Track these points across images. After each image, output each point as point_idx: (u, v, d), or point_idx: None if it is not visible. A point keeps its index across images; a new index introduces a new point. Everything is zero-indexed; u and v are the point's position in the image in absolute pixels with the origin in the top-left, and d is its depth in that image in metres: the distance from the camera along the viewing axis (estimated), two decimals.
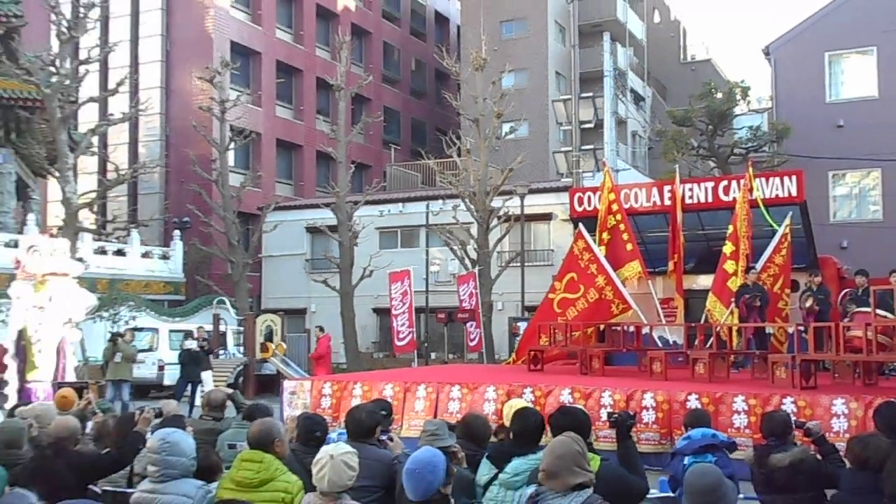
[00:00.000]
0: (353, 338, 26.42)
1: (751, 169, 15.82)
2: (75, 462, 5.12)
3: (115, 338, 17.56)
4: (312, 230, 31.27)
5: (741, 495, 5.49)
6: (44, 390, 10.75)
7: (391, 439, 6.01)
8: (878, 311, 11.31)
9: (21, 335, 10.83)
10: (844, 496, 4.89)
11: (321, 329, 21.73)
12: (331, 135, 29.29)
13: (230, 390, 10.13)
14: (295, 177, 38.53)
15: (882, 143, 25.02)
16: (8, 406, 9.14)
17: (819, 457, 5.77)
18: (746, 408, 10.35)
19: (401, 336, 23.27)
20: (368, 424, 5.44)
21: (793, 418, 7.03)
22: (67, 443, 5.34)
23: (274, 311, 26.91)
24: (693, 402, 10.38)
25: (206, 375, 18.57)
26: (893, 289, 11.67)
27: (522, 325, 20.89)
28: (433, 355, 27.16)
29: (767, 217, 14.70)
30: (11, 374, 10.92)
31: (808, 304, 13.41)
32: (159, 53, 35.61)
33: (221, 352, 23.85)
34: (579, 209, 17.06)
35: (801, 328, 12.36)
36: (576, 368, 13.98)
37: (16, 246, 22.82)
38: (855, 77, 27.79)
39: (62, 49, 25.72)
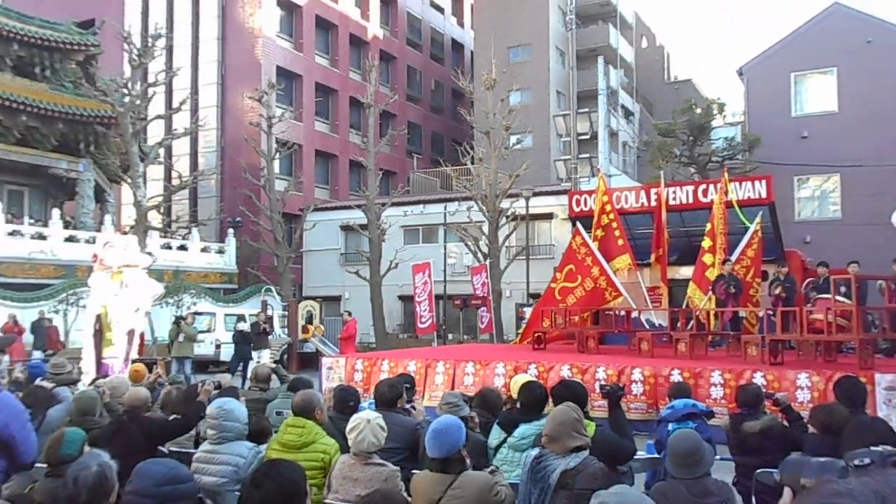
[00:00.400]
0: (381, 321, 26.47)
1: (726, 174, 15.71)
2: (146, 427, 5.18)
3: (178, 321, 17.68)
4: (346, 228, 31.33)
5: (717, 457, 5.46)
6: (118, 365, 10.84)
7: (414, 408, 6.03)
8: (837, 298, 11.23)
9: (98, 318, 10.91)
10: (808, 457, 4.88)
11: (349, 314, 21.81)
12: (362, 146, 29.31)
13: (274, 365, 10.17)
14: (331, 182, 38.60)
15: (841, 152, 24.82)
16: (87, 380, 9.21)
17: (786, 423, 5.75)
18: (722, 381, 10.32)
19: (422, 319, 23.31)
20: (392, 395, 5.48)
21: (763, 390, 6.99)
22: (140, 410, 5.39)
23: (313, 298, 27.04)
24: (676, 376, 10.35)
25: (265, 353, 18.71)
26: (850, 278, 11.58)
27: (528, 310, 20.86)
28: (450, 336, 27.19)
29: (741, 216, 14.60)
30: (89, 352, 11.00)
31: (777, 291, 13.35)
32: (216, 77, 35.75)
33: (270, 332, 23.96)
34: (577, 209, 17.00)
35: (770, 312, 12.31)
36: (574, 347, 13.97)
37: (95, 242, 23.15)
38: (817, 94, 27.56)
39: (133, 73, 25.98)
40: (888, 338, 12.03)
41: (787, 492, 3.68)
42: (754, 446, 5.44)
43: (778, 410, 5.94)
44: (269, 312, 25.10)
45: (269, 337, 23.04)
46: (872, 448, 3.26)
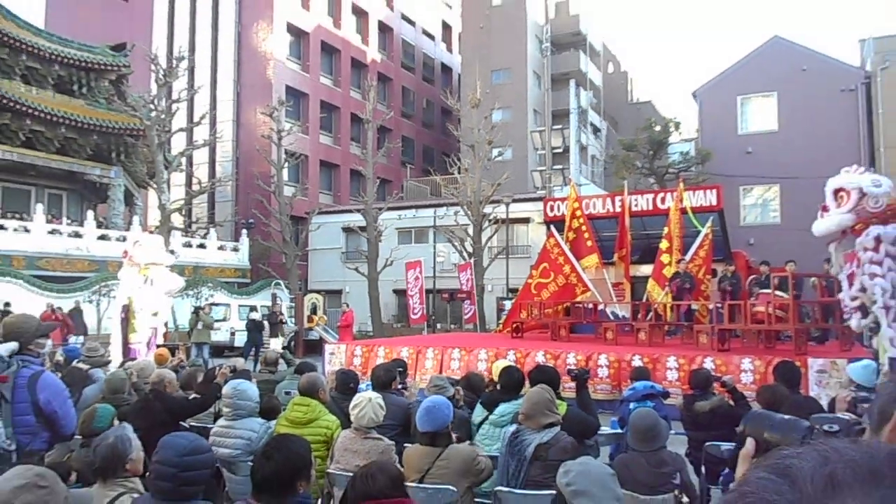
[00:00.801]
0: (378, 312, 26.42)
1: (681, 184, 15.79)
2: (169, 404, 5.16)
3: (197, 311, 17.59)
4: (347, 229, 31.26)
5: (672, 431, 5.49)
6: (143, 350, 10.80)
7: (406, 388, 6.04)
8: (777, 292, 11.32)
9: (125, 308, 10.87)
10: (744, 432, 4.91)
11: (347, 305, 21.72)
12: (361, 156, 29.25)
13: (282, 351, 10.16)
14: (334, 188, 38.48)
15: (780, 165, 25.00)
16: (116, 363, 9.15)
17: (732, 403, 5.78)
18: (677, 365, 10.37)
19: (414, 311, 23.27)
20: (387, 378, 5.48)
21: (712, 374, 7.02)
22: (164, 389, 5.36)
23: (317, 292, 26.93)
24: (637, 362, 10.38)
25: (277, 341, 18.68)
26: (788, 275, 11.67)
27: (507, 304, 20.88)
28: (439, 326, 27.17)
29: (694, 221, 14.68)
30: (117, 338, 10.96)
31: (724, 286, 13.43)
32: (232, 94, 35.59)
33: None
34: (551, 214, 17.03)
35: (719, 305, 12.37)
36: (548, 336, 13.98)
37: (125, 240, 23.04)
38: (759, 115, 27.71)
39: (159, 91, 25.89)
40: (820, 327, 12.14)
41: (749, 441, 3.71)
42: (704, 423, 5.48)
43: (725, 391, 5.98)
44: (279, 304, 25.05)
45: (283, 326, 23.05)
46: (839, 416, 3.29)
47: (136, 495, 2.93)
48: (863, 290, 7.53)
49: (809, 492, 0.56)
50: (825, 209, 7.72)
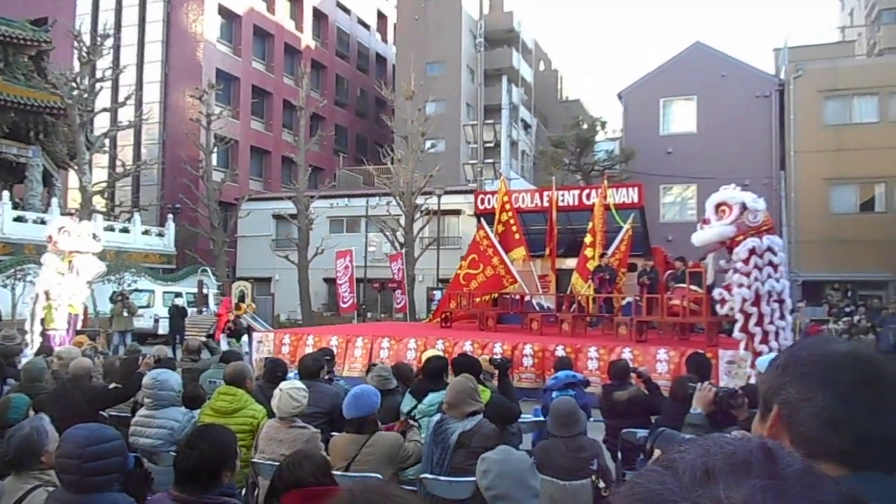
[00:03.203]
0: (308, 301, 26.09)
1: (606, 181, 16.22)
2: (89, 394, 4.97)
3: (122, 297, 16.96)
4: (277, 217, 30.68)
5: (591, 419, 5.67)
6: (60, 337, 10.40)
7: (333, 377, 6.00)
8: (692, 287, 11.76)
9: (47, 295, 10.46)
10: (664, 419, 5.12)
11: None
12: (293, 144, 28.74)
13: (204, 339, 9.93)
14: (264, 175, 37.68)
15: (698, 166, 25.86)
16: (32, 350, 8.75)
17: (647, 392, 6.00)
18: (598, 355, 10.62)
19: (344, 300, 23.11)
20: (315, 367, 5.45)
21: (630, 365, 7.26)
22: (83, 378, 5.17)
23: (246, 279, 26.34)
24: (560, 351, 10.57)
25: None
26: (702, 271, 12.14)
27: (438, 294, 20.98)
28: (369, 315, 27.04)
29: (616, 217, 15.07)
30: (34, 324, 10.53)
31: (643, 280, 13.85)
32: (159, 75, 34.28)
33: (204, 309, 23.27)
34: (481, 207, 17.17)
35: (637, 298, 12.76)
36: (476, 326, 14.10)
37: (42, 223, 21.92)
38: (680, 117, 28.56)
39: (82, 69, 24.71)
40: (730, 321, 12.69)
41: (657, 451, 3.87)
42: (622, 412, 5.66)
43: (641, 381, 6.19)
44: (205, 291, 24.38)
45: (204, 313, 22.44)
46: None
47: (51, 488, 2.82)
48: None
49: (687, 481, 0.61)
50: (706, 222, 8.27)
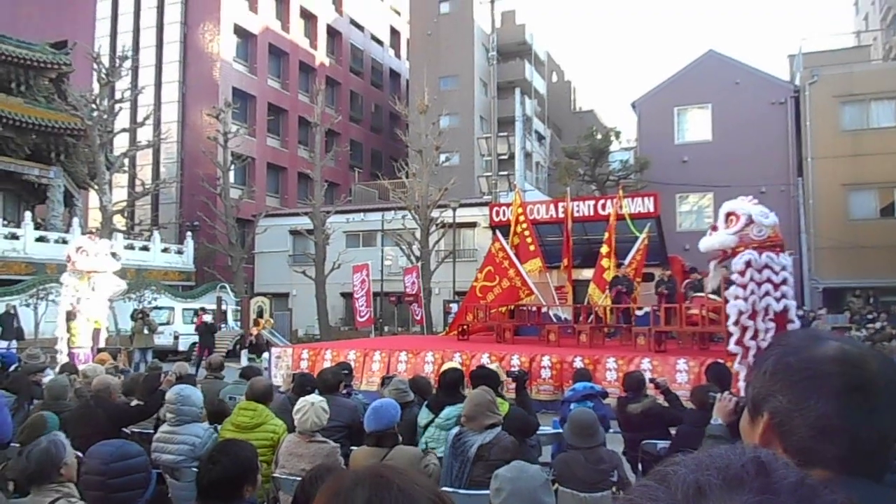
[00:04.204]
0: (325, 315, 26.18)
1: (621, 191, 16.17)
2: (111, 411, 5.03)
3: (142, 314, 17.12)
4: (294, 233, 30.85)
5: (612, 430, 5.64)
6: (84, 354, 10.54)
7: (351, 391, 6.02)
8: (710, 296, 11.67)
9: (68, 315, 10.62)
10: (688, 428, 5.08)
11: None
12: (309, 160, 28.98)
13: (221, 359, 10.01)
14: (281, 191, 37.98)
15: (714, 174, 25.74)
16: (57, 367, 8.88)
17: (665, 403, 5.94)
18: (616, 366, 10.53)
19: (361, 314, 23.16)
20: (335, 381, 5.47)
21: (646, 376, 7.21)
22: (105, 396, 5.23)
23: (264, 295, 26.53)
24: (578, 363, 10.50)
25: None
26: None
27: (454, 306, 20.97)
28: (386, 329, 27.08)
29: (632, 227, 15.01)
30: (63, 343, 10.69)
31: (661, 290, 13.77)
32: (177, 95, 34.76)
33: (223, 325, 23.42)
34: (496, 219, 17.18)
35: (656, 308, 12.68)
36: (493, 338, 14.08)
37: (64, 242, 22.22)
38: (695, 125, 28.45)
39: (102, 90, 25.15)
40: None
41: None
42: (637, 424, 5.62)
43: (658, 392, 6.14)
44: (224, 307, 24.54)
45: (224, 329, 22.56)
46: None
47: (73, 499, 2.87)
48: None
49: (679, 497, 0.61)
50: (714, 228, 8.28)
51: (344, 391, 5.85)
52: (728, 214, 8.15)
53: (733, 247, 8.00)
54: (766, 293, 7.77)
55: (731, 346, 8.15)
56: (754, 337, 7.85)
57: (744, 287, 7.83)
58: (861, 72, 25.80)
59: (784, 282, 7.90)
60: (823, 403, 0.99)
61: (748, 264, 7.82)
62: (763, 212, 8.07)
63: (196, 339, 19.13)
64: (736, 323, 7.92)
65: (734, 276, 7.92)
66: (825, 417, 0.98)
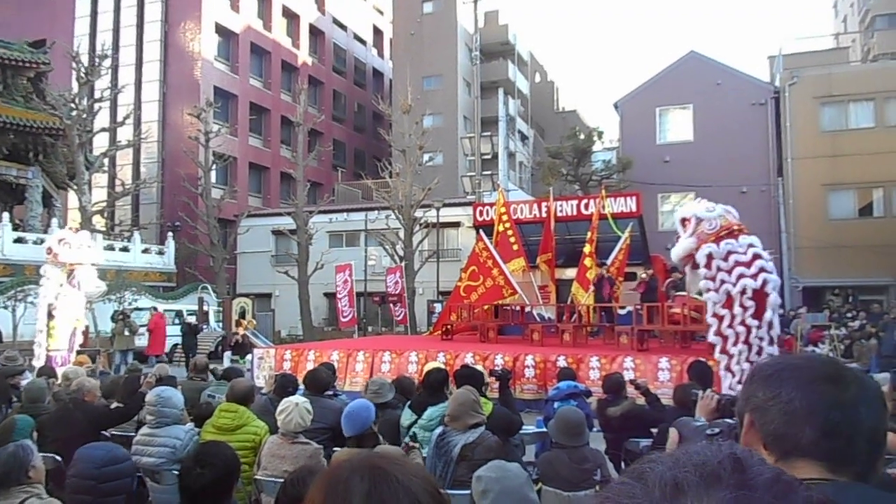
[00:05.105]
0: (308, 315, 26.05)
1: (603, 191, 16.25)
2: (91, 414, 4.97)
3: (123, 316, 16.95)
4: (277, 233, 30.68)
5: (594, 429, 5.66)
6: (62, 357, 10.35)
7: (335, 396, 5.99)
8: (692, 295, 11.75)
9: (49, 312, 10.41)
10: (670, 427, 5.11)
11: (155, 308, 20.89)
12: (291, 159, 28.86)
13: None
14: (263, 191, 37.76)
15: (695, 174, 25.93)
16: (39, 365, 8.76)
17: (644, 404, 5.96)
18: (599, 365, 10.57)
19: (344, 314, 23.07)
20: (322, 383, 5.44)
21: (630, 375, 7.25)
22: (84, 398, 5.16)
23: (246, 295, 26.37)
24: (561, 362, 10.51)
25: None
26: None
27: (438, 306, 20.95)
28: (370, 329, 27.02)
29: (614, 227, 15.08)
30: (42, 336, 10.48)
31: (642, 289, 13.84)
32: (157, 94, 34.43)
33: (205, 326, 23.23)
34: (480, 219, 17.20)
35: (638, 307, 12.75)
36: (477, 337, 14.08)
37: (42, 243, 21.87)
38: (677, 126, 28.67)
39: (81, 90, 24.84)
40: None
41: (673, 432, 3.87)
42: (617, 426, 5.64)
43: (639, 393, 6.17)
44: (206, 308, 24.35)
45: (205, 330, 22.37)
46: (727, 420, 3.47)
47: (43, 498, 2.86)
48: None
49: (657, 495, 0.61)
50: (678, 238, 8.60)
51: (330, 392, 5.82)
52: (682, 221, 8.53)
53: (695, 248, 8.30)
54: (741, 275, 8.07)
55: (711, 337, 8.36)
56: (731, 325, 8.07)
57: (713, 280, 8.15)
58: (840, 73, 26.14)
59: (756, 257, 8.19)
60: (794, 390, 1.05)
61: (710, 257, 8.13)
62: (708, 207, 8.51)
63: (177, 340, 18.97)
64: (714, 314, 8.18)
65: (701, 271, 8.18)
66: (795, 401, 1.04)
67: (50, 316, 10.37)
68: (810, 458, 1.00)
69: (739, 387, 8.18)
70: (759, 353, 8.01)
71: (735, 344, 8.15)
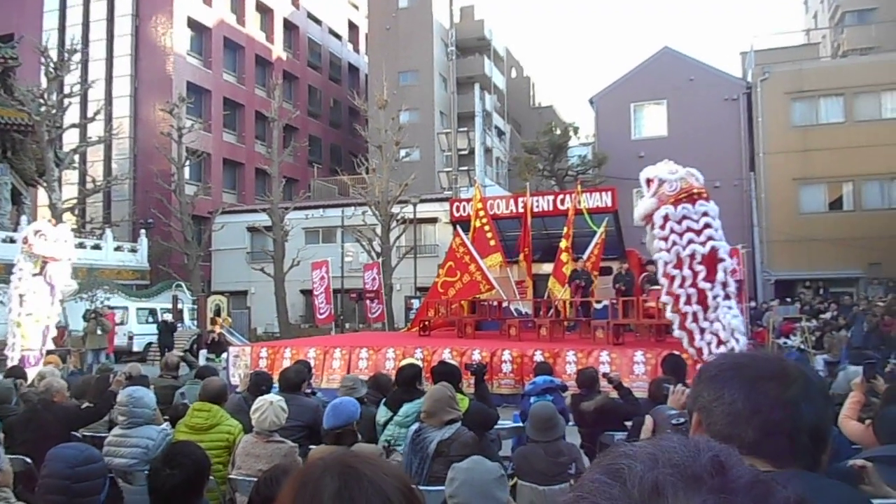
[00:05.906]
0: (285, 313, 25.88)
1: (579, 186, 16.30)
2: (61, 414, 4.89)
3: (95, 315, 16.69)
4: (252, 229, 30.43)
5: (570, 423, 5.70)
6: (34, 356, 10.14)
7: (312, 394, 5.97)
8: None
9: (21, 301, 10.17)
10: (644, 420, 5.15)
11: (108, 308, 20.63)
12: (266, 155, 28.58)
13: (182, 354, 9.79)
14: (238, 187, 37.41)
15: None
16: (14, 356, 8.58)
17: (617, 398, 6.00)
18: (575, 359, 10.64)
19: (321, 311, 22.94)
20: (297, 380, 5.41)
21: (605, 369, 7.30)
22: (53, 398, 5.07)
23: (221, 293, 26.11)
24: (538, 357, 10.49)
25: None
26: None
27: (416, 302, 20.93)
28: (347, 325, 26.90)
29: (590, 222, 15.16)
30: (13, 327, 10.24)
31: (619, 286, 13.95)
32: (129, 89, 33.92)
33: (179, 325, 22.98)
34: (457, 214, 17.16)
35: (614, 301, 12.86)
36: (454, 333, 14.10)
37: (12, 242, 21.45)
38: (651, 121, 28.91)
39: (50, 85, 24.36)
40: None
41: (648, 419, 3.90)
42: (592, 421, 5.69)
43: (612, 387, 6.22)
44: (180, 306, 24.07)
45: (180, 328, 22.12)
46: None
47: (10, 501, 2.80)
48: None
49: (636, 496, 0.60)
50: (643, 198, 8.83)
51: (308, 390, 5.79)
52: (647, 181, 8.71)
53: (655, 208, 8.50)
54: (690, 241, 8.31)
55: (664, 297, 8.63)
56: (682, 285, 8.41)
57: (665, 240, 8.39)
58: (810, 69, 26.54)
59: (707, 226, 8.43)
60: (736, 391, 1.07)
61: (666, 218, 8.38)
62: (671, 169, 8.74)
63: (152, 339, 18.74)
64: (665, 274, 8.39)
65: (656, 231, 8.41)
66: (737, 402, 1.06)
67: (20, 304, 10.10)
68: (755, 457, 1.01)
69: (703, 343, 8.53)
70: (715, 309, 8.33)
71: (688, 304, 8.39)
